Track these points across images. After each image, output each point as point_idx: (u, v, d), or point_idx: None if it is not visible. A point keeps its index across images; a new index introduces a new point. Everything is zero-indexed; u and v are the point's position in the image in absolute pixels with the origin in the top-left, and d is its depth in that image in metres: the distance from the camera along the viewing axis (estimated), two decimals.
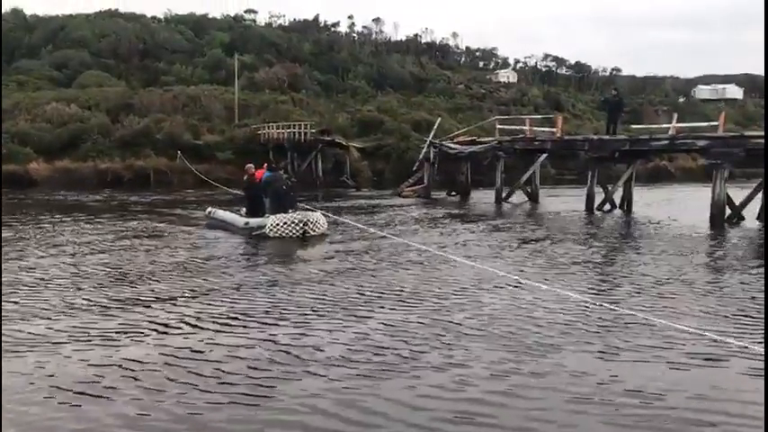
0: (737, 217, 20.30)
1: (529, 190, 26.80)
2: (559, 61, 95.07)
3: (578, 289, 10.20)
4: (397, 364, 6.72)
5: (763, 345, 6.29)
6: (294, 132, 36.38)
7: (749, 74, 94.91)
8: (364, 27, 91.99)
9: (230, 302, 9.17)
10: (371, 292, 9.95)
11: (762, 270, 12.22)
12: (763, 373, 5.22)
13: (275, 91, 57.26)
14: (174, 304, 9.00)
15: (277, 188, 15.97)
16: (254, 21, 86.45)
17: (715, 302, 9.56)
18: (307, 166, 37.08)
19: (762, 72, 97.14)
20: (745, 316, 8.72)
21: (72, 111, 38.38)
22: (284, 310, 8.78)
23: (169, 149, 36.38)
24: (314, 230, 15.52)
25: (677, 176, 46.50)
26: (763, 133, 19.10)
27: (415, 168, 29.38)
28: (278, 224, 15.19)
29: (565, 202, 26.85)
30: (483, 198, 27.78)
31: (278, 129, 38.19)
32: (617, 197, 24.04)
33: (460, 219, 20.86)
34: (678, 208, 25.21)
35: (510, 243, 15.48)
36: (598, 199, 23.43)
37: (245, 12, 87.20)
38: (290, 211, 15.77)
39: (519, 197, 27.04)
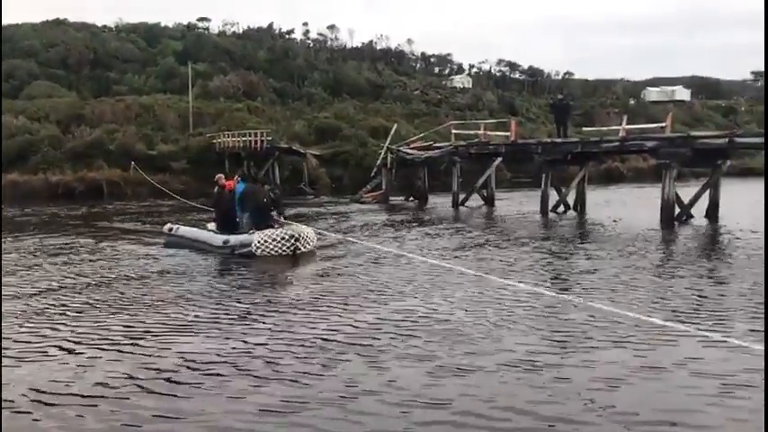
0: (687, 215, 20.89)
1: (485, 193, 27.13)
2: (513, 66, 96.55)
3: (531, 282, 10.61)
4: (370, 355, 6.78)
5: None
6: (250, 141, 36.09)
7: (696, 76, 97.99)
8: (319, 34, 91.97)
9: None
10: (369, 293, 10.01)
11: (708, 264, 12.64)
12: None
13: (230, 99, 56.79)
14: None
15: (259, 202, 14.38)
16: (208, 29, 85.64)
17: (664, 293, 9.89)
18: (264, 174, 36.86)
19: (709, 74, 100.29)
20: (694, 306, 9.04)
21: (20, 122, 37.40)
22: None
23: (122, 160, 35.73)
24: (305, 246, 13.92)
25: (629, 177, 47.61)
26: (709, 133, 19.75)
27: (373, 174, 29.48)
28: (266, 241, 13.62)
29: (520, 204, 27.31)
30: (441, 202, 28.02)
31: (233, 137, 37.84)
32: (570, 199, 24.52)
33: (420, 223, 21.01)
34: (630, 208, 25.86)
35: (469, 244, 15.73)
36: (552, 201, 23.89)
37: (198, 20, 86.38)
38: (274, 225, 14.24)
39: (475, 201, 27.35)
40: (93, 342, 7.65)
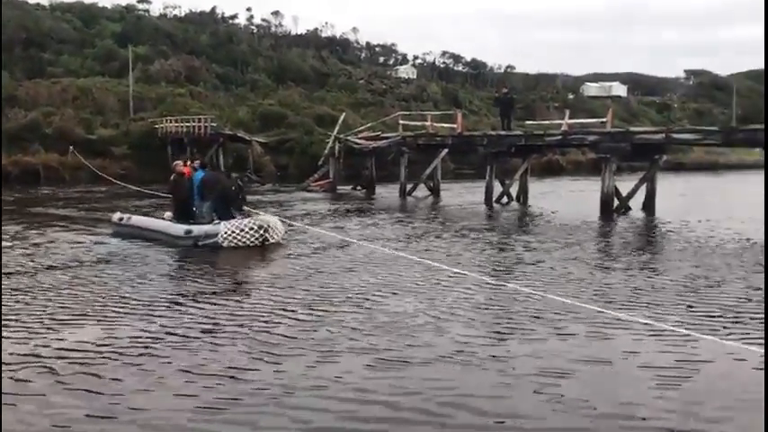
0: (625, 208, 21.69)
1: (431, 184, 27.51)
2: (456, 58, 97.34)
3: (476, 272, 10.95)
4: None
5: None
6: (194, 127, 35.49)
7: (632, 72, 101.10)
8: (263, 20, 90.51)
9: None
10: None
11: (645, 255, 13.26)
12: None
13: (172, 84, 55.55)
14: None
15: (225, 190, 13.77)
16: (148, 11, 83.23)
17: (601, 282, 10.38)
18: (208, 160, 36.32)
19: (644, 71, 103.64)
20: (632, 294, 9.51)
21: None
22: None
23: (60, 144, 34.64)
24: (273, 237, 13.51)
25: (568, 170, 48.87)
26: (647, 129, 20.56)
27: (320, 163, 29.47)
28: (233, 231, 13.08)
29: (464, 195, 27.78)
30: (387, 192, 28.25)
31: (176, 123, 37.13)
32: (513, 190, 25.10)
33: (369, 212, 21.24)
34: (570, 199, 26.64)
35: (416, 234, 16.02)
36: (496, 192, 24.42)
37: (138, 1, 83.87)
38: (239, 215, 13.73)
39: (422, 191, 27.69)
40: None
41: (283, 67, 72.37)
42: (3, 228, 15.85)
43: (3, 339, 7.08)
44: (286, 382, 6.05)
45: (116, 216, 15.56)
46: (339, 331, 7.66)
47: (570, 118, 23.57)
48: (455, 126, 25.87)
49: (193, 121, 35.66)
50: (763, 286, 9.92)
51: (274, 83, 66.88)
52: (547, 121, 28.45)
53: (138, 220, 15.17)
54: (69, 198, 25.25)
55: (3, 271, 10.58)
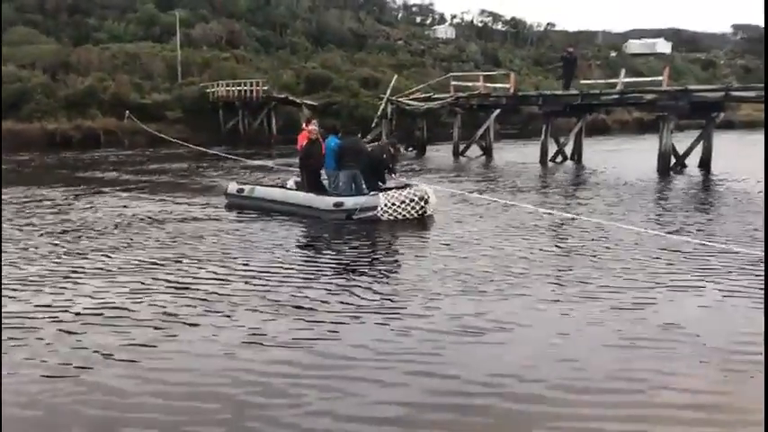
0: (681, 165, 21.87)
1: (483, 144, 27.86)
2: (495, 17, 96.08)
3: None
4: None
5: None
6: (245, 90, 36.17)
7: (675, 28, 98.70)
8: None
9: None
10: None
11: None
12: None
13: (213, 47, 56.18)
14: None
15: (376, 157, 12.66)
16: None
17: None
18: (258, 124, 37.14)
19: (688, 27, 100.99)
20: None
21: (10, 69, 36.85)
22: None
23: (116, 109, 35.65)
24: (431, 208, 12.45)
25: (614, 129, 48.56)
26: (705, 87, 20.60)
27: (374, 125, 29.94)
28: (393, 203, 12.00)
29: (515, 155, 28.08)
30: (439, 153, 28.72)
31: (227, 87, 37.83)
32: (567, 149, 25.34)
33: (434, 170, 21.89)
34: (624, 158, 26.75)
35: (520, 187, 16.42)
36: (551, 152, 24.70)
37: None
38: (383, 186, 12.62)
39: (473, 151, 28.06)
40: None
41: (322, 30, 72.45)
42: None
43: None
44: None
45: (233, 187, 14.21)
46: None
47: (612, 76, 23.63)
48: (507, 86, 26.08)
49: (244, 86, 36.32)
50: None
51: (313, 45, 67.09)
52: (602, 81, 28.43)
53: (264, 191, 13.77)
54: (146, 162, 25.99)
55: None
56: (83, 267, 8.94)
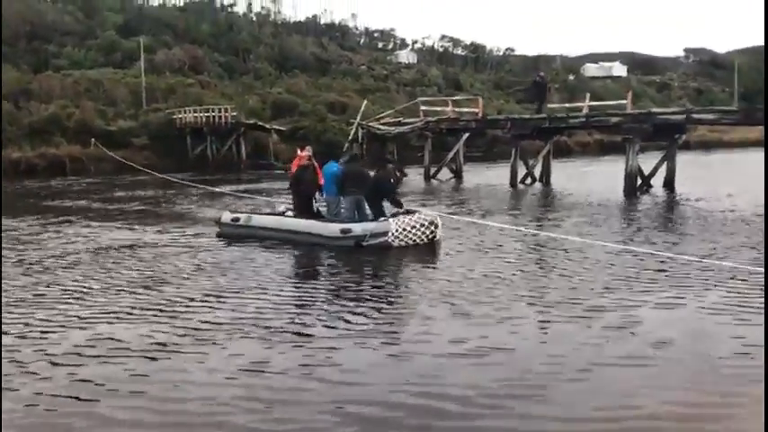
0: (647, 186, 22.50)
1: (453, 167, 28.27)
2: (455, 42, 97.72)
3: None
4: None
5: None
6: (213, 116, 36.11)
7: (630, 51, 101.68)
8: (263, 7, 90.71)
9: None
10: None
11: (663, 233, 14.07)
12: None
13: (176, 73, 55.97)
14: None
15: (382, 182, 12.42)
16: (148, 1, 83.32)
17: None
18: (227, 149, 37.06)
19: (643, 50, 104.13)
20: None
21: None
22: None
23: (80, 136, 35.22)
24: (438, 232, 12.29)
25: (575, 151, 49.64)
26: (668, 110, 21.30)
27: (345, 149, 30.10)
28: (404, 229, 11.75)
29: (484, 177, 28.55)
30: (409, 177, 29.00)
31: (195, 113, 37.72)
32: (536, 171, 25.81)
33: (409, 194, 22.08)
34: (590, 180, 27.38)
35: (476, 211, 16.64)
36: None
37: None
38: (397, 210, 12.28)
39: (443, 174, 28.43)
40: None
41: (285, 55, 72.76)
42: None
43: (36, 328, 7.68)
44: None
45: (227, 216, 13.72)
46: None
47: (572, 100, 24.34)
48: (475, 110, 26.59)
49: (212, 111, 36.26)
50: None
51: (277, 71, 67.31)
52: (568, 104, 29.19)
53: (262, 219, 13.29)
54: (114, 190, 25.68)
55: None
56: (66, 299, 8.80)
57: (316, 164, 13.00)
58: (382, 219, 11.99)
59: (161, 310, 8.21)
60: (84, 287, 9.44)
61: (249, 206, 17.39)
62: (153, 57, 59.24)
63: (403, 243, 11.74)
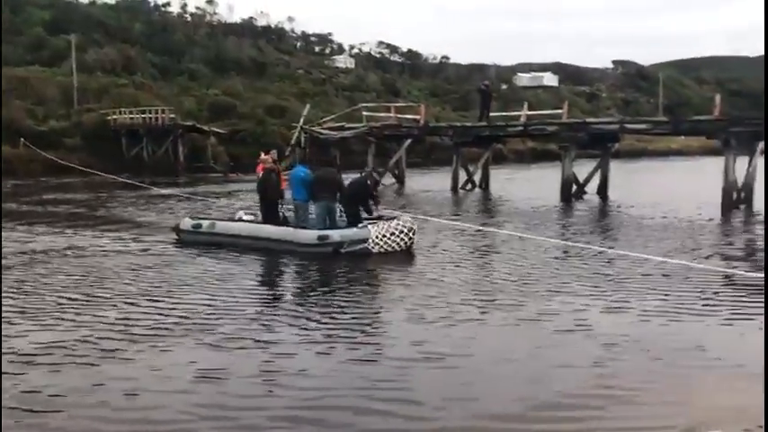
0: (582, 192, 23.29)
1: (396, 172, 28.56)
2: (392, 48, 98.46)
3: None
4: None
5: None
6: (150, 118, 35.29)
7: (560, 62, 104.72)
8: (198, 8, 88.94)
9: None
10: None
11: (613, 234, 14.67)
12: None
13: (108, 73, 54.41)
14: None
15: (361, 187, 12.06)
16: None
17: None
18: (164, 151, 36.26)
19: (572, 61, 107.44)
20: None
21: None
22: None
23: (8, 136, 33.77)
24: (416, 239, 12.18)
25: (510, 158, 50.77)
26: (603, 119, 22.14)
27: (287, 153, 29.95)
28: (384, 235, 11.51)
29: (425, 182, 28.97)
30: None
31: (131, 114, 36.77)
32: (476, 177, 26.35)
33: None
34: (526, 186, 28.15)
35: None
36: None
37: None
38: (377, 216, 12.14)
39: (385, 179, 28.61)
40: None
41: (221, 57, 71.68)
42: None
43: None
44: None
45: (187, 222, 13.15)
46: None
47: (506, 109, 25.07)
48: (418, 117, 26.96)
49: (149, 113, 35.43)
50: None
51: (213, 72, 66.24)
52: (506, 113, 29.88)
53: (228, 226, 12.79)
54: (45, 192, 24.75)
55: None
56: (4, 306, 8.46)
57: (279, 168, 12.80)
58: (361, 225, 11.68)
59: (108, 317, 8.01)
60: (26, 293, 9.11)
61: (208, 211, 17.26)
62: (84, 56, 57.45)
63: (383, 250, 11.51)
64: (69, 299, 8.86)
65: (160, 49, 68.95)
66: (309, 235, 11.61)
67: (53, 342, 7.05)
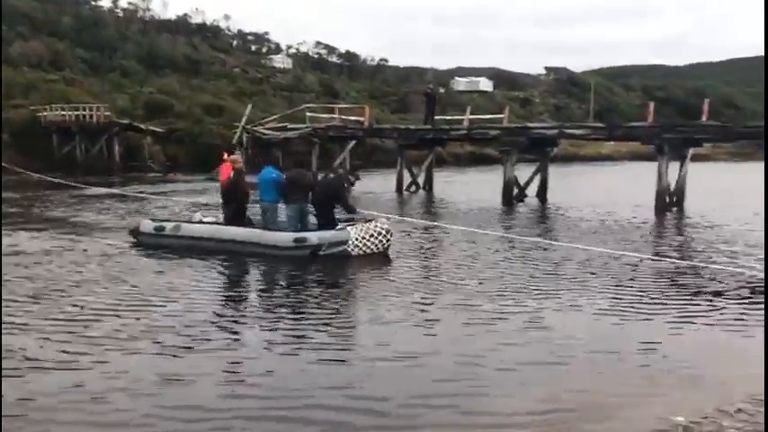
0: (522, 195, 23.92)
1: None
2: (330, 49, 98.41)
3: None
4: None
5: None
6: (84, 115, 34.15)
7: (495, 68, 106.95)
8: (130, 3, 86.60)
9: None
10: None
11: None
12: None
13: (35, 68, 52.33)
14: None
15: (336, 189, 11.90)
16: None
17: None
18: (98, 150, 35.16)
19: (506, 67, 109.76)
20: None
21: None
22: None
23: None
24: (393, 240, 11.99)
25: (449, 162, 51.53)
26: (543, 125, 22.80)
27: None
28: (363, 237, 11.34)
29: (368, 184, 28.99)
30: None
31: (62, 111, 35.47)
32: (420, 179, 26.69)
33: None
34: (467, 188, 28.66)
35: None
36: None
37: None
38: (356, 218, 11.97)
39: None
40: None
41: (154, 54, 70.00)
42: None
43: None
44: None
45: (148, 225, 12.58)
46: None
47: (443, 112, 25.52)
48: (362, 119, 27.10)
49: (83, 110, 34.28)
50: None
51: (145, 69, 64.62)
52: (449, 116, 30.43)
53: (194, 228, 12.18)
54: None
55: None
56: None
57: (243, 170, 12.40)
58: (339, 227, 11.50)
59: (69, 321, 7.80)
60: None
61: (153, 211, 16.75)
62: (8, 49, 55.08)
63: (362, 252, 11.35)
64: (30, 303, 8.53)
65: (90, 45, 66.80)
66: (284, 237, 11.32)
67: (13, 347, 6.83)
